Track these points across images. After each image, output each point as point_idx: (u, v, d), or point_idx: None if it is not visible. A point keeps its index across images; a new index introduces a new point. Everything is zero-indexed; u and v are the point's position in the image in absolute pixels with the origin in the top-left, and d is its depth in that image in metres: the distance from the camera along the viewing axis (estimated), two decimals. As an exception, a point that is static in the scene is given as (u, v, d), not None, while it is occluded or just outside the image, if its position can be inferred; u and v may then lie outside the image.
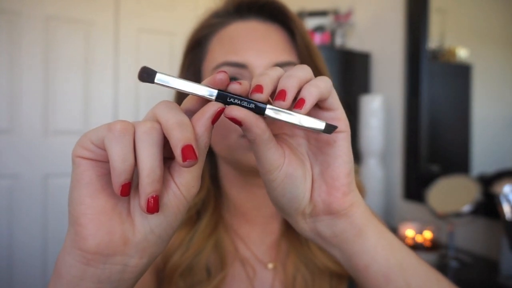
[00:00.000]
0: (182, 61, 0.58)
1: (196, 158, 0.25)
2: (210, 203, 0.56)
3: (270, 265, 0.55)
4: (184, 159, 0.25)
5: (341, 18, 1.80)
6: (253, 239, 0.57)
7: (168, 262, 0.53)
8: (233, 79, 0.51)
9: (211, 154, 0.59)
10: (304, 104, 0.27)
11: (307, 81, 0.29)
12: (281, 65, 0.51)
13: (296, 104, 0.27)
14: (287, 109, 0.27)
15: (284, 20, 0.54)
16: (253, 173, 0.54)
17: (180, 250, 0.53)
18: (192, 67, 0.57)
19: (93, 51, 2.02)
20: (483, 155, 1.35)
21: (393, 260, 0.34)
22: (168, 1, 2.20)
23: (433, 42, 1.47)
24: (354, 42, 1.80)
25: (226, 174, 0.58)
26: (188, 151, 0.25)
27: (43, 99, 1.91)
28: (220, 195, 0.59)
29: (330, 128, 0.28)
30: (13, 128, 1.86)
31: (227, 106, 0.27)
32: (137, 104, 2.13)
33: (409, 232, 1.31)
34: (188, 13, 2.19)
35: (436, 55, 1.48)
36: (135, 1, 2.11)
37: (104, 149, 0.26)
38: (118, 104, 2.09)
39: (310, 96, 0.27)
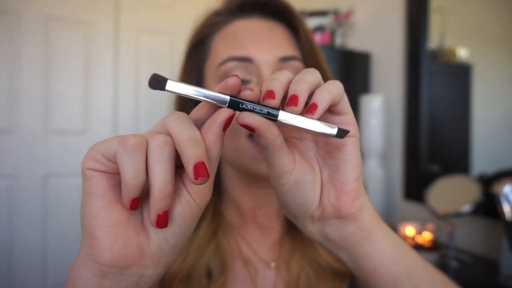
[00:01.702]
0: (184, 61, 0.57)
1: (208, 175, 0.25)
2: (209, 208, 0.56)
3: (273, 264, 0.55)
4: (196, 177, 0.25)
5: (341, 18, 1.81)
6: (255, 238, 0.57)
7: (167, 270, 0.52)
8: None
9: None
10: (317, 109, 0.27)
11: (317, 85, 0.29)
12: (286, 59, 0.50)
13: (308, 109, 0.27)
14: (299, 114, 0.27)
15: (287, 18, 0.54)
16: (260, 179, 0.53)
17: (179, 257, 0.52)
18: (194, 67, 0.56)
19: (93, 51, 2.01)
20: (483, 155, 1.35)
21: (400, 263, 0.34)
22: (168, 1, 2.20)
23: (433, 42, 1.47)
24: (354, 42, 1.80)
25: (229, 175, 0.58)
26: (200, 168, 0.25)
27: (43, 99, 1.91)
28: (221, 195, 0.59)
29: (342, 133, 0.28)
30: (13, 128, 1.86)
31: (239, 112, 0.27)
32: (137, 104, 2.13)
33: (409, 232, 1.31)
34: (188, 13, 2.18)
35: (436, 55, 1.48)
36: (135, 1, 2.11)
37: (115, 162, 0.26)
38: (118, 104, 2.08)
39: (322, 101, 0.27)
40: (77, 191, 1.97)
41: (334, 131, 0.28)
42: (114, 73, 2.07)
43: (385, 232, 0.34)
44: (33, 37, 1.87)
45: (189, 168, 0.25)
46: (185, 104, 0.57)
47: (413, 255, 0.36)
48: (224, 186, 0.59)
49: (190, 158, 0.25)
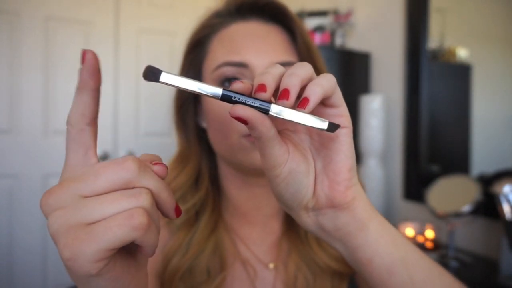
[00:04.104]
0: (183, 61, 0.58)
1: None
2: (209, 203, 0.56)
3: (271, 265, 0.55)
4: (178, 214, 0.30)
5: (341, 18, 1.81)
6: (254, 239, 0.57)
7: (167, 266, 0.52)
8: (234, 79, 0.51)
9: (211, 154, 0.59)
10: (308, 104, 0.27)
11: (309, 79, 0.29)
12: (282, 65, 0.51)
13: (300, 103, 0.28)
14: (291, 107, 0.28)
15: (284, 21, 0.54)
16: (254, 173, 0.54)
17: (179, 252, 0.52)
18: (192, 68, 0.57)
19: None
20: (483, 155, 1.35)
21: (396, 253, 0.34)
22: (168, 1, 2.20)
23: (433, 42, 1.47)
24: (354, 42, 1.80)
25: (226, 174, 0.58)
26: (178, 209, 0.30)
27: (43, 99, 1.91)
28: (220, 195, 0.59)
29: (332, 127, 0.29)
30: (13, 128, 1.86)
31: (232, 105, 0.28)
32: (137, 104, 2.13)
33: (409, 232, 1.31)
34: (188, 13, 2.19)
35: (436, 55, 1.48)
36: (135, 1, 2.11)
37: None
38: (118, 104, 2.08)
39: (314, 95, 0.28)
40: (77, 191, 1.97)
41: (325, 125, 0.28)
42: (114, 73, 2.07)
43: (381, 223, 0.34)
44: (33, 37, 1.87)
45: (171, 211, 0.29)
46: (184, 101, 0.57)
47: (410, 247, 0.36)
48: (222, 187, 0.59)
49: (171, 204, 0.29)
